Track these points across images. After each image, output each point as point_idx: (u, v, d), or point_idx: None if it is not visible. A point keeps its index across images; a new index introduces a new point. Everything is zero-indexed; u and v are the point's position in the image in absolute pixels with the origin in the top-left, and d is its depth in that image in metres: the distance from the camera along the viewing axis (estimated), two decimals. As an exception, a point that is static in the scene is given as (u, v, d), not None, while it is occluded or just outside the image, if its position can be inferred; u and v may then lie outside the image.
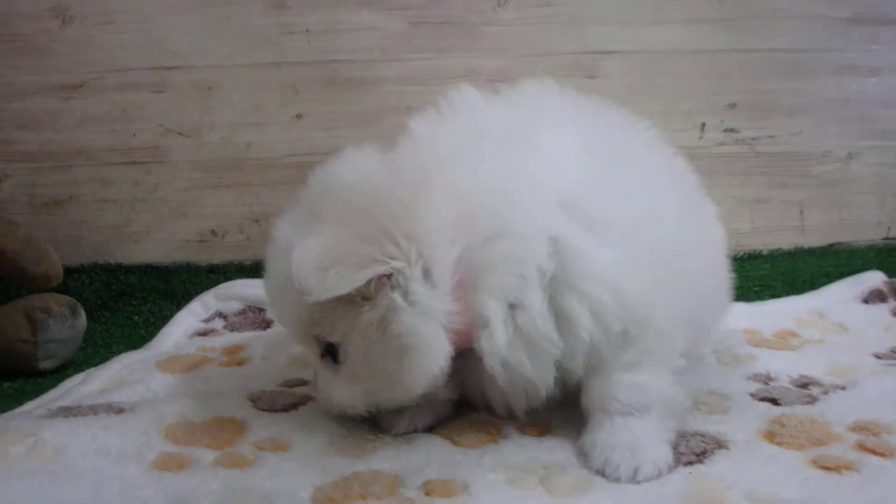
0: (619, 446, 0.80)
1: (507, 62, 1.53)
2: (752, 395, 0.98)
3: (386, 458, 0.83)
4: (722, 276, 1.02)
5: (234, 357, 1.19)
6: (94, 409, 0.90)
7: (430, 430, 0.91)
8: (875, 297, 1.37)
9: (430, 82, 1.55)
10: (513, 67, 1.53)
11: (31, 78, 1.58)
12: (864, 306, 1.37)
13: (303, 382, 1.07)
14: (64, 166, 1.61)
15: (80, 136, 1.60)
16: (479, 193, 0.79)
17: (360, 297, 0.77)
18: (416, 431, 0.89)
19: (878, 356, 1.14)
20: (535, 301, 0.77)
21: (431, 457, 0.83)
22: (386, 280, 0.76)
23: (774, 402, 0.95)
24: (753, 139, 1.52)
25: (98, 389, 1.06)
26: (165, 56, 1.57)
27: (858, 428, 0.86)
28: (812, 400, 0.95)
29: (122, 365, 1.16)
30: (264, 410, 0.95)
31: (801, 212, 1.53)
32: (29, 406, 1.04)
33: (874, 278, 1.41)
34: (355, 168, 0.87)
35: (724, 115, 1.52)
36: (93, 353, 1.37)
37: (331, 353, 0.84)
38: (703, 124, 1.52)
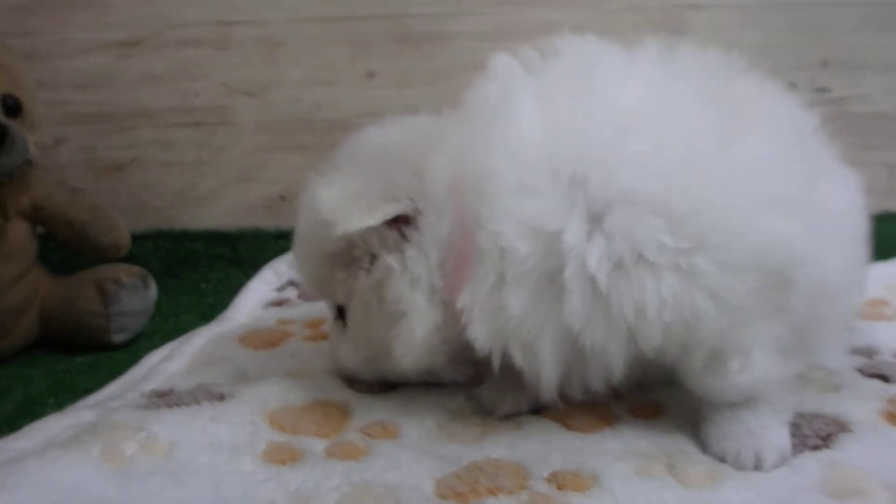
0: (733, 436, 0.74)
1: (591, 16, 1.45)
2: (861, 371, 0.93)
3: (502, 445, 0.78)
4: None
5: (318, 331, 1.13)
6: (195, 397, 0.85)
7: (536, 412, 0.85)
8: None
9: (507, 38, 1.45)
10: (597, 21, 1.45)
11: (85, 35, 1.50)
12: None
13: None
14: (124, 128, 1.54)
15: (140, 97, 1.52)
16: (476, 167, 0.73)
17: (369, 256, 0.77)
18: (519, 414, 0.84)
19: None
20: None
21: (551, 444, 0.78)
22: (398, 230, 0.76)
23: (885, 378, 0.91)
24: (844, 98, 1.47)
25: (185, 368, 1.01)
26: (227, 10, 1.48)
27: None
28: None
29: (204, 340, 1.11)
30: (363, 392, 0.89)
31: (890, 174, 1.48)
32: (115, 387, 1.00)
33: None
34: (384, 130, 0.87)
35: (814, 72, 1.45)
36: (161, 323, 1.33)
37: (341, 314, 0.84)
38: (793, 84, 1.45)
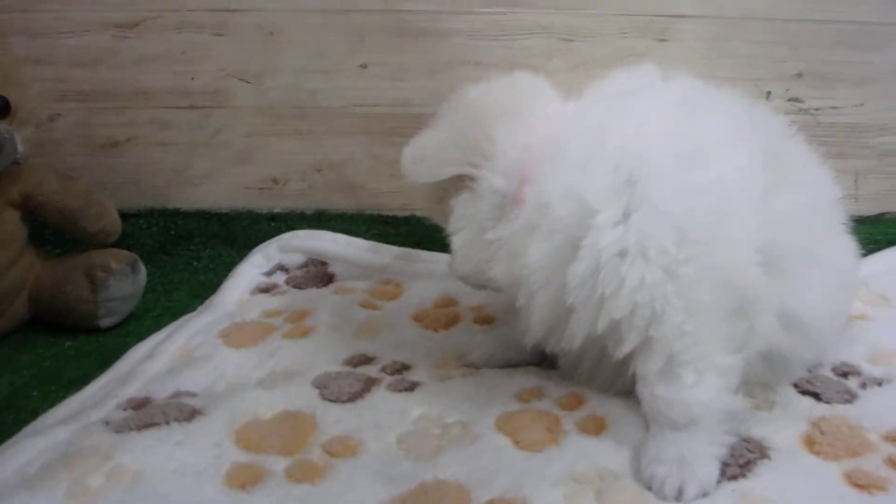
0: (665, 461, 0.79)
1: (581, 20, 1.48)
2: (797, 387, 0.97)
3: (454, 463, 0.83)
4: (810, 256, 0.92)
5: (300, 326, 1.17)
6: (165, 416, 0.89)
7: (509, 366, 1.04)
8: (924, 268, 1.41)
9: (501, 37, 1.49)
10: (584, 25, 1.48)
11: (85, 14, 1.49)
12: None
13: (367, 360, 1.07)
14: (121, 107, 1.54)
15: (138, 77, 1.52)
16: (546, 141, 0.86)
17: (451, 192, 0.89)
18: (488, 367, 1.03)
19: None
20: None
21: (499, 463, 0.83)
22: (468, 181, 0.87)
23: (817, 397, 0.94)
24: (817, 109, 1.52)
25: (166, 368, 1.05)
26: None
27: (891, 438, 0.85)
28: (851, 398, 0.94)
29: (188, 334, 1.15)
30: (331, 401, 0.95)
31: (856, 181, 1.55)
32: (96, 388, 1.03)
33: (924, 250, 1.44)
34: (479, 89, 0.95)
35: (790, 84, 1.50)
36: (152, 301, 1.36)
37: None
38: (769, 93, 1.50)
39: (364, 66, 1.52)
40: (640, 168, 0.79)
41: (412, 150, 0.90)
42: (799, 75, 1.50)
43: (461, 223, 0.89)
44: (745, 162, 0.82)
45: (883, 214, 1.57)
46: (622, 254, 0.78)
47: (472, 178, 0.87)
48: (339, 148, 1.56)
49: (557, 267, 0.81)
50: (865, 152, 1.54)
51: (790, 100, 1.51)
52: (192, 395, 0.98)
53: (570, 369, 0.98)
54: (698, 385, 0.80)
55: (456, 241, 0.90)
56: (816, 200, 0.92)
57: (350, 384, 0.98)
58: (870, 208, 1.56)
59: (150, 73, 1.53)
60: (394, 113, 1.54)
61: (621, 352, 0.83)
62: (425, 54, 1.51)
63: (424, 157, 0.89)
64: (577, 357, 0.94)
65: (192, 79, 1.53)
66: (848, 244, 1.00)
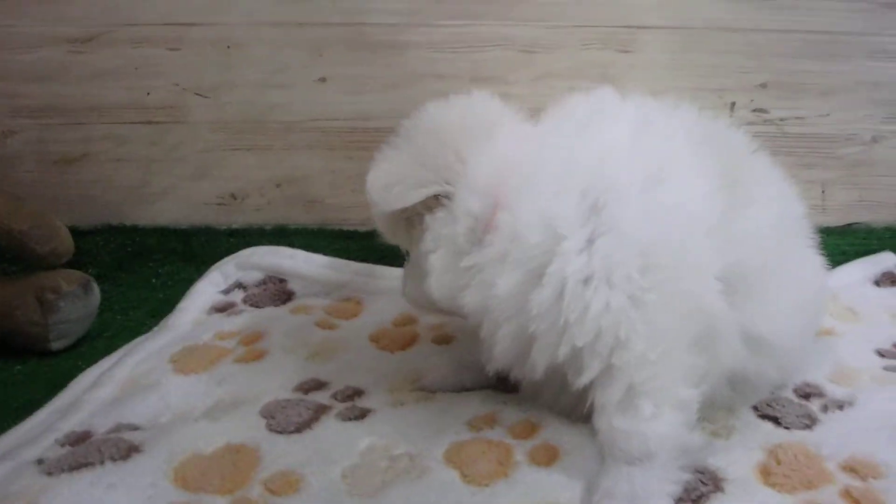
0: (618, 496, 0.77)
1: (542, 32, 1.45)
2: (757, 410, 0.95)
3: (398, 499, 0.80)
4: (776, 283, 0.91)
5: (253, 349, 1.14)
6: (101, 453, 0.86)
7: (464, 390, 1.01)
8: (886, 279, 1.37)
9: (462, 49, 1.47)
10: (547, 37, 1.46)
11: (38, 29, 1.47)
12: (876, 289, 1.36)
13: (319, 385, 1.04)
14: (76, 123, 1.51)
15: (92, 92, 1.50)
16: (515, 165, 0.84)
17: (419, 216, 0.87)
18: (443, 390, 1.01)
19: (881, 353, 1.13)
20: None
21: (445, 498, 0.80)
22: (442, 200, 0.85)
23: (777, 421, 0.93)
24: (782, 120, 1.49)
25: (112, 397, 1.02)
26: (181, 11, 1.46)
27: (849, 468, 0.83)
28: (811, 422, 0.92)
29: (137, 360, 1.12)
30: (277, 432, 0.92)
31: (823, 191, 1.53)
32: (39, 418, 1.00)
33: (887, 260, 1.41)
34: (441, 109, 0.93)
35: (754, 94, 1.48)
36: (109, 319, 1.33)
37: (408, 256, 0.96)
38: (734, 103, 1.48)
39: (323, 80, 1.50)
40: (604, 194, 0.79)
41: (378, 176, 0.86)
42: (763, 85, 1.48)
43: (438, 242, 0.85)
44: (704, 186, 0.81)
45: (850, 225, 1.55)
46: (587, 280, 0.77)
47: (446, 197, 0.84)
48: (299, 163, 1.54)
49: (524, 297, 0.80)
50: (832, 163, 1.52)
51: (755, 110, 1.49)
52: (134, 428, 0.94)
53: (531, 394, 0.96)
54: (656, 418, 0.79)
55: (433, 262, 0.86)
56: (779, 217, 0.90)
57: (299, 413, 0.95)
58: (837, 219, 1.54)
59: (106, 89, 1.50)
60: (354, 127, 1.51)
61: (582, 381, 0.80)
62: (385, 67, 1.49)
63: (394, 183, 0.84)
64: (539, 383, 0.92)
65: (148, 94, 1.50)
66: (814, 260, 0.98)
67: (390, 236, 0.95)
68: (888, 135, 1.51)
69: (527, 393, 0.96)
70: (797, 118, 1.50)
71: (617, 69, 1.47)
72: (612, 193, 0.79)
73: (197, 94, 1.51)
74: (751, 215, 0.85)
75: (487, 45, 1.47)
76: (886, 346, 1.16)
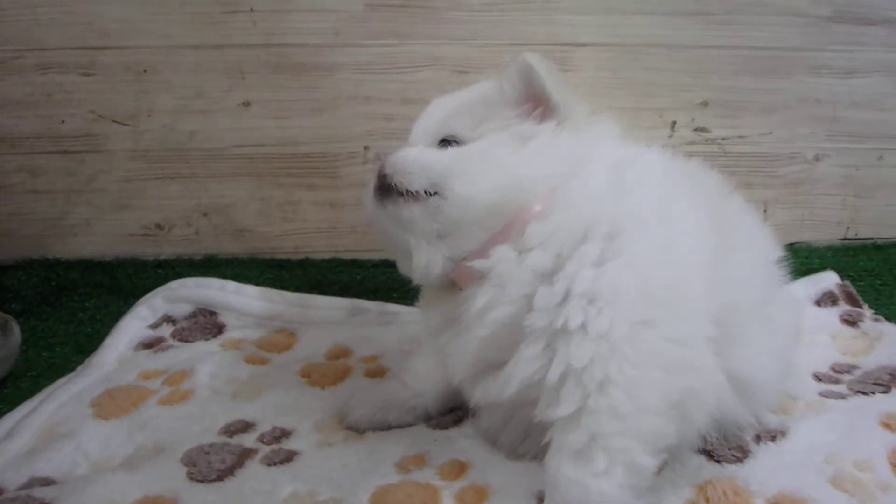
0: None
1: (473, 51, 1.40)
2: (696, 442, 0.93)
3: None
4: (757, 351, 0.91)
5: (178, 389, 1.09)
6: None
7: (391, 427, 0.99)
8: (827, 299, 1.36)
9: (390, 70, 1.40)
10: (479, 56, 1.40)
11: (-63, 56, 1.39)
12: (816, 309, 1.35)
13: (245, 427, 1.00)
14: (-15, 155, 1.44)
15: (3, 122, 1.42)
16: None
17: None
18: (369, 428, 0.98)
19: (818, 377, 1.13)
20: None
21: None
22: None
23: (709, 454, 0.91)
24: (724, 139, 1.45)
25: (27, 448, 0.97)
26: (92, 35, 1.38)
27: None
28: (743, 455, 0.91)
29: (56, 405, 1.06)
30: (198, 482, 0.87)
31: (765, 211, 1.50)
32: None
33: (828, 280, 1.39)
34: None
35: (695, 113, 1.43)
36: (34, 357, 1.27)
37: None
38: (674, 122, 1.43)
39: (246, 104, 1.43)
40: (622, 222, 0.79)
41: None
42: (704, 104, 1.43)
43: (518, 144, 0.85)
44: (701, 228, 0.82)
45: (793, 244, 1.53)
46: (593, 300, 0.76)
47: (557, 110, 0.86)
48: (224, 191, 1.48)
49: (534, 288, 0.79)
50: (774, 181, 1.49)
51: (696, 129, 1.45)
52: (48, 482, 0.89)
53: (476, 428, 0.94)
54: (606, 475, 0.76)
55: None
56: (760, 259, 0.92)
57: (222, 459, 0.92)
58: (779, 239, 1.49)
59: (16, 118, 1.42)
60: (281, 153, 1.45)
61: (557, 413, 0.78)
62: (311, 90, 1.42)
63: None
64: (487, 416, 0.91)
65: (62, 122, 1.43)
66: (791, 301, 1.03)
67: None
68: (830, 153, 1.48)
69: (471, 427, 0.95)
70: (739, 137, 1.46)
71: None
72: (634, 226, 0.79)
73: (114, 121, 1.43)
74: (737, 259, 0.85)
75: (417, 66, 1.41)
76: (824, 369, 1.17)
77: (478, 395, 0.86)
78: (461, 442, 0.96)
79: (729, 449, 0.92)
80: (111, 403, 1.05)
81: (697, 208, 0.83)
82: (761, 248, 0.94)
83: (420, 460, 0.92)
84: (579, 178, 0.83)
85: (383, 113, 1.42)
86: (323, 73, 1.41)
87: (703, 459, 0.91)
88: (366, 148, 1.44)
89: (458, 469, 0.90)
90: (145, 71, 1.41)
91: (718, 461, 0.90)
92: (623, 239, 0.78)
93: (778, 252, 0.98)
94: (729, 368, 0.84)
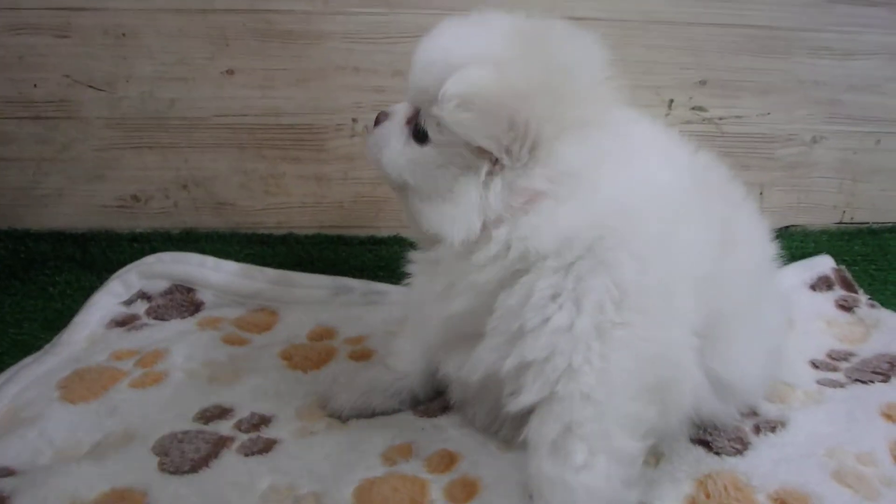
0: None
1: (466, 23, 1.37)
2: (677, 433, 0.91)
3: None
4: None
5: (151, 371, 1.05)
6: None
7: (375, 415, 0.95)
8: (822, 283, 1.35)
9: (380, 40, 1.36)
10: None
11: None
12: (811, 294, 1.34)
13: (222, 413, 0.96)
14: (-47, 119, 1.37)
15: (-29, 85, 1.36)
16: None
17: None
18: (352, 416, 0.95)
19: (815, 364, 1.12)
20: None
21: None
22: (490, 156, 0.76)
23: (708, 446, 0.90)
24: (721, 119, 1.43)
25: None
26: (68, -6, 1.32)
27: (779, 500, 0.81)
28: (742, 447, 0.90)
29: (20, 387, 1.02)
30: (170, 473, 0.84)
31: (761, 193, 1.47)
32: None
33: (823, 264, 1.38)
34: (584, 50, 0.86)
35: (693, 91, 1.41)
36: (1, 333, 1.22)
37: (417, 131, 0.80)
38: (671, 101, 1.41)
39: (230, 73, 1.38)
40: (608, 224, 0.75)
41: (465, 87, 0.72)
42: (702, 83, 1.41)
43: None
44: (707, 235, 0.80)
45: (788, 228, 1.51)
46: (554, 295, 0.73)
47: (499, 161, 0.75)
48: (206, 162, 1.42)
49: (493, 293, 0.77)
50: (770, 164, 1.47)
51: (693, 108, 1.42)
52: (7, 472, 0.85)
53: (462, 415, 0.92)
54: (588, 468, 0.73)
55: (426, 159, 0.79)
56: (758, 261, 0.90)
57: (196, 448, 0.88)
58: (775, 222, 1.47)
59: (-15, 81, 1.36)
60: (264, 123, 1.40)
61: (520, 402, 0.76)
62: (297, 59, 1.37)
63: (471, 113, 0.72)
64: (471, 402, 0.89)
65: (35, 86, 1.37)
66: (780, 302, 0.99)
67: (421, 101, 0.81)
68: (828, 135, 1.46)
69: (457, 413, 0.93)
70: (736, 117, 1.43)
71: (548, 63, 1.38)
72: (619, 224, 0.75)
73: (90, 86, 1.37)
74: (733, 260, 0.83)
75: (408, 36, 1.36)
76: (820, 356, 1.16)
77: (450, 369, 0.85)
78: (450, 431, 0.93)
79: (728, 440, 0.91)
80: (80, 386, 1.01)
81: (707, 213, 0.81)
82: (757, 249, 0.91)
83: (407, 451, 0.89)
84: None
85: (372, 84, 1.38)
86: (310, 42, 1.36)
87: (701, 451, 0.89)
88: (354, 120, 1.39)
89: (447, 461, 0.87)
90: (124, 35, 1.35)
91: (718, 453, 0.89)
92: (606, 244, 0.74)
93: (773, 249, 0.95)
94: (710, 368, 0.82)
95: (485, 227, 0.75)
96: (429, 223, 0.79)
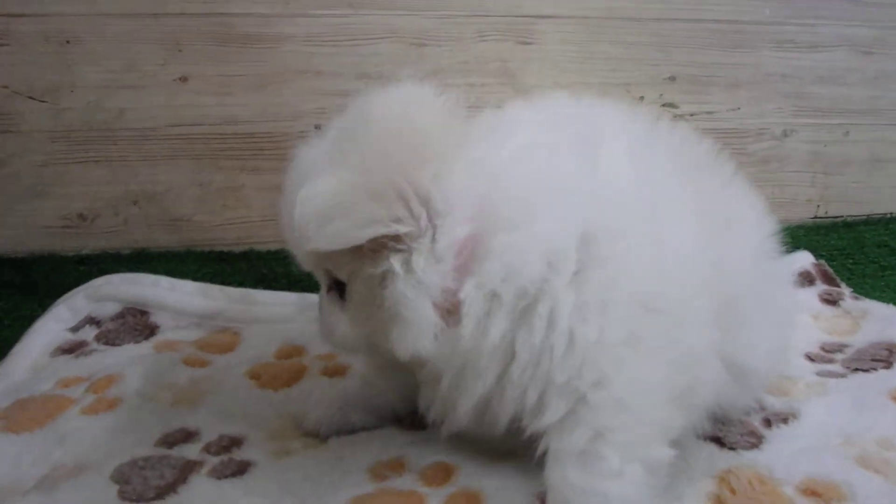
0: None
1: (433, 23, 1.33)
2: (693, 430, 0.86)
3: None
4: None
5: (103, 397, 0.95)
6: None
7: (354, 431, 0.88)
8: (804, 279, 1.33)
9: (343, 43, 1.32)
10: (439, 29, 1.33)
11: None
12: (794, 290, 1.34)
13: (187, 436, 0.88)
14: None
15: None
16: (510, 180, 0.70)
17: (369, 249, 0.68)
18: (331, 433, 0.88)
19: (810, 358, 1.10)
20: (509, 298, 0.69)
21: None
22: (390, 241, 0.67)
23: (720, 442, 0.86)
24: (692, 115, 1.42)
25: None
26: (7, 0, 1.25)
27: (809, 491, 0.77)
28: (757, 441, 0.86)
29: None
30: (133, 501, 0.75)
31: (736, 191, 1.49)
32: None
33: (803, 260, 1.37)
34: (400, 103, 0.72)
35: (662, 88, 1.40)
36: None
37: (338, 288, 0.75)
38: (642, 98, 1.40)
39: (183, 80, 1.31)
40: (603, 226, 0.70)
41: (313, 202, 0.65)
42: (672, 79, 1.40)
43: (419, 289, 0.68)
44: (697, 224, 0.75)
45: (765, 225, 1.50)
46: (580, 308, 0.68)
47: (400, 240, 0.67)
48: (158, 176, 1.35)
49: (511, 341, 0.70)
50: (743, 159, 1.46)
51: (664, 105, 1.41)
52: None
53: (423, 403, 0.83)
54: (622, 476, 0.68)
55: (356, 299, 0.73)
56: (758, 239, 0.86)
57: (160, 474, 0.78)
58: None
59: (-85, 93, 1.27)
60: (221, 132, 1.34)
61: (542, 423, 0.70)
62: (256, 64, 1.32)
63: (335, 215, 0.65)
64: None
65: (-30, 98, 1.28)
66: (786, 280, 0.98)
67: (313, 267, 0.77)
68: (798, 128, 1.47)
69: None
70: (707, 113, 1.43)
71: (517, 63, 1.36)
72: (614, 225, 0.70)
73: (30, 97, 1.29)
74: (731, 240, 0.80)
75: (373, 38, 1.33)
76: (813, 349, 1.14)
77: (461, 424, 0.77)
78: (442, 443, 0.84)
79: (741, 435, 0.87)
80: (23, 415, 0.90)
81: (691, 199, 0.76)
82: (754, 226, 0.87)
83: (398, 465, 0.82)
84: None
85: (337, 88, 1.33)
86: (270, 46, 1.31)
87: (713, 447, 0.85)
88: (317, 127, 1.33)
89: (443, 473, 0.80)
90: (68, 42, 1.28)
91: (732, 448, 0.85)
92: (602, 247, 0.69)
93: (770, 224, 0.91)
94: (726, 354, 0.78)
95: (441, 308, 0.68)
96: (404, 351, 0.70)
